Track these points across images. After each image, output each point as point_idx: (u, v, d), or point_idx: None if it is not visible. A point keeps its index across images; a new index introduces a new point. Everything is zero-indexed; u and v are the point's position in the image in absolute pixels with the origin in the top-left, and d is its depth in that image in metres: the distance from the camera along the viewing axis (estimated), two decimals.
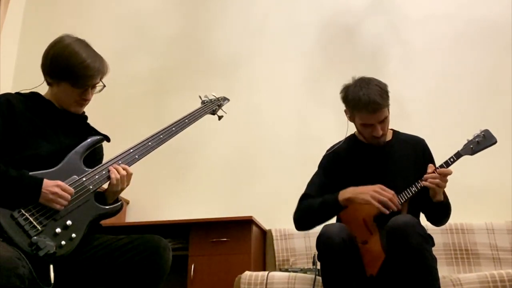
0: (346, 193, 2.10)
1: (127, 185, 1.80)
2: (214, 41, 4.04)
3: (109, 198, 1.80)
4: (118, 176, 1.75)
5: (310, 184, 2.34)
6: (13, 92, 1.84)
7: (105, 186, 1.79)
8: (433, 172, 2.05)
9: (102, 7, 4.35)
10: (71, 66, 1.75)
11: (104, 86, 1.88)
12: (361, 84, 2.16)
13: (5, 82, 3.87)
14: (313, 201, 2.20)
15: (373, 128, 2.16)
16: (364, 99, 2.10)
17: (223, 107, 2.30)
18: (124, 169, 1.77)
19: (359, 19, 3.80)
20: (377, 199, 2.02)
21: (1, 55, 3.88)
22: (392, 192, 2.06)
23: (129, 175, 1.79)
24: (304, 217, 2.19)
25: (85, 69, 1.77)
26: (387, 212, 2.02)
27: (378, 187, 2.06)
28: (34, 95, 1.85)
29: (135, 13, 4.26)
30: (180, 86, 3.92)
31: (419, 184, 2.08)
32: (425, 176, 2.07)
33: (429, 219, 2.26)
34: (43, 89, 1.86)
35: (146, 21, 4.21)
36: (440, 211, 2.18)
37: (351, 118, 2.26)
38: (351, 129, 2.36)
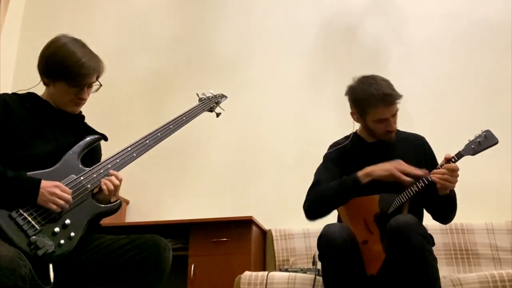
0: (365, 169, 2.09)
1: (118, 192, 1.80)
2: (214, 41, 4.04)
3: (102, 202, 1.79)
4: (112, 187, 1.74)
5: (319, 172, 2.31)
6: (10, 92, 1.84)
7: None
8: (449, 162, 2.03)
9: (102, 7, 4.35)
10: (66, 65, 1.75)
11: (101, 85, 1.87)
12: (368, 81, 2.17)
13: (5, 82, 3.88)
14: (328, 185, 2.17)
15: (387, 123, 2.17)
16: (379, 94, 2.11)
17: (221, 104, 2.29)
18: (114, 175, 1.76)
19: (359, 19, 3.80)
20: (400, 170, 2.02)
21: (1, 55, 3.88)
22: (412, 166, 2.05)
23: (120, 182, 1.77)
24: (319, 202, 2.15)
25: (80, 68, 1.76)
26: (409, 180, 2.02)
27: (398, 162, 2.05)
28: (31, 95, 1.85)
29: (135, 13, 4.26)
30: (180, 86, 3.92)
31: (426, 180, 2.06)
32: (433, 171, 2.05)
33: (435, 216, 2.24)
34: (40, 89, 1.86)
35: (146, 21, 4.22)
36: (446, 205, 2.15)
37: (360, 119, 2.25)
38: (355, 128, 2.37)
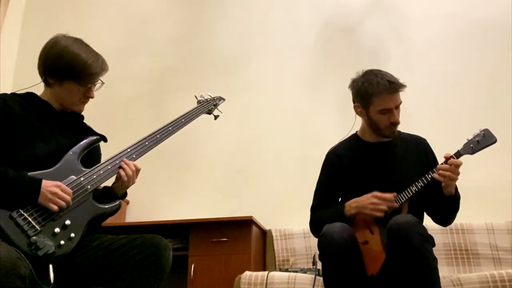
0: (351, 209, 2.15)
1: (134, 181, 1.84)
2: (214, 41, 4.04)
3: (119, 193, 1.83)
4: (130, 172, 1.78)
5: (316, 193, 2.36)
6: (9, 92, 1.84)
7: (102, 185, 1.80)
8: (449, 159, 2.05)
9: (102, 7, 4.35)
10: (75, 66, 1.77)
11: (103, 83, 1.88)
12: (373, 72, 2.22)
13: (5, 82, 3.88)
14: (322, 215, 2.23)
15: (391, 114, 2.18)
16: (384, 82, 2.15)
17: (219, 107, 2.30)
18: (128, 164, 1.80)
19: (359, 19, 3.80)
20: (377, 211, 2.07)
21: (1, 55, 3.88)
22: (388, 196, 2.08)
23: (137, 171, 1.83)
24: (318, 229, 2.19)
25: (89, 67, 1.78)
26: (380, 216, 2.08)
27: (373, 198, 2.09)
28: (30, 96, 1.85)
29: (135, 13, 4.26)
30: (180, 86, 3.92)
31: (429, 176, 2.07)
32: (439, 166, 2.07)
33: (437, 218, 2.25)
34: (39, 89, 1.87)
35: (146, 21, 4.21)
36: (450, 206, 2.15)
37: (363, 111, 2.26)
38: (356, 126, 2.37)
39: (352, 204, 2.15)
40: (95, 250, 1.72)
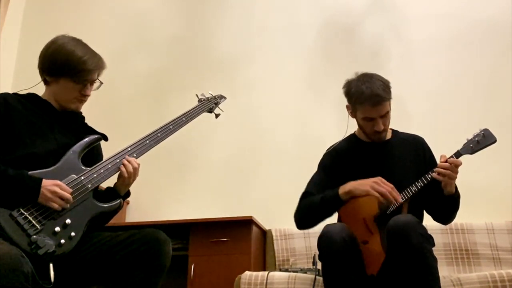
0: (346, 186, 2.10)
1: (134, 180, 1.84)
2: (214, 41, 4.04)
3: (121, 192, 1.84)
4: (131, 169, 1.79)
5: (310, 182, 2.34)
6: (10, 92, 1.85)
7: (104, 185, 1.80)
8: (445, 162, 2.04)
9: (102, 7, 4.35)
10: (70, 62, 1.78)
11: (102, 83, 1.89)
12: (364, 79, 2.19)
13: (5, 82, 3.88)
14: (313, 198, 2.21)
15: (375, 123, 2.18)
16: (367, 92, 2.13)
17: (220, 105, 2.30)
18: (130, 162, 1.81)
19: (359, 19, 3.81)
20: (376, 190, 2.01)
21: (1, 55, 3.88)
22: (392, 185, 2.05)
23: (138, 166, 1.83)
24: (306, 214, 2.19)
25: (84, 64, 1.79)
26: (387, 203, 2.04)
27: (378, 179, 2.05)
28: (31, 95, 1.86)
29: (135, 13, 4.27)
30: (180, 86, 3.93)
31: (429, 176, 2.07)
32: (439, 164, 2.06)
33: (437, 217, 2.24)
34: (39, 90, 1.87)
35: (146, 21, 4.22)
36: (450, 205, 2.15)
37: (353, 113, 2.27)
38: (351, 126, 2.37)
39: (348, 183, 2.10)
40: (95, 247, 1.72)
